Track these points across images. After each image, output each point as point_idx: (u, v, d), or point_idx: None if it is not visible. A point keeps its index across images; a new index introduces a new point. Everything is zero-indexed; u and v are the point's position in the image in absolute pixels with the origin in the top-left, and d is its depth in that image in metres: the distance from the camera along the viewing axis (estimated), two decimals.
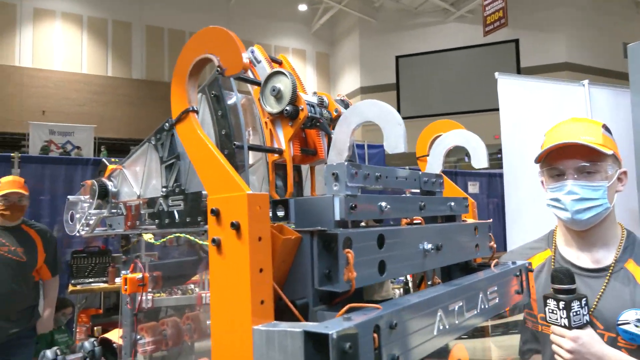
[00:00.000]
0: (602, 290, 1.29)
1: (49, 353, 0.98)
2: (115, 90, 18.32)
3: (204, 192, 0.80)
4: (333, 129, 1.02)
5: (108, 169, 1.14)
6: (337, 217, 0.62)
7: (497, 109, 2.80)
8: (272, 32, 22.11)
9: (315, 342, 0.47)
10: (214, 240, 0.56)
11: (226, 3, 21.16)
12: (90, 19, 17.90)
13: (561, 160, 1.32)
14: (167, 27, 20.20)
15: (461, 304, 0.71)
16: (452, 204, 0.91)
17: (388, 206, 0.70)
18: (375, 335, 0.51)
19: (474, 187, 6.39)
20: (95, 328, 4.60)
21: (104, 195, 1.10)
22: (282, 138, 0.93)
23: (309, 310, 0.59)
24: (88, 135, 11.17)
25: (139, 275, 1.00)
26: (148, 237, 0.95)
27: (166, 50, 20.19)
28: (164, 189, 0.96)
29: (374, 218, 0.69)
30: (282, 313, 0.57)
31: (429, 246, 0.74)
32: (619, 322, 1.24)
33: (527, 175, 2.69)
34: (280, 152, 0.92)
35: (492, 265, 0.94)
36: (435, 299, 0.64)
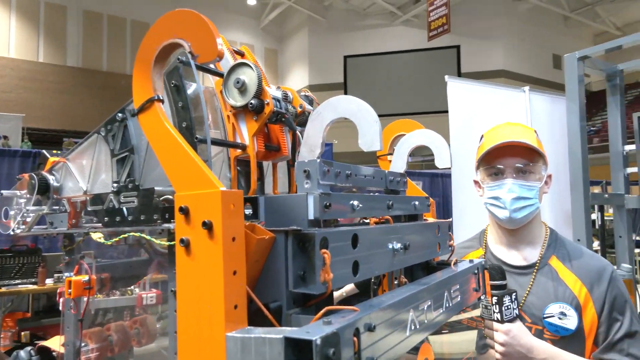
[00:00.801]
0: (529, 286, 1.37)
1: (22, 353, 0.89)
2: (46, 77, 17.10)
3: (164, 189, 0.75)
4: (297, 125, 1.00)
5: (49, 162, 1.04)
6: (311, 216, 0.60)
7: (442, 111, 2.89)
8: (220, 25, 21.39)
9: (296, 349, 0.44)
10: (182, 241, 0.51)
11: None
12: (20, 0, 16.61)
13: (501, 159, 1.38)
14: (107, 13, 19.14)
15: (429, 303, 0.71)
16: (417, 203, 0.91)
17: (360, 205, 0.68)
18: (355, 338, 0.49)
19: (417, 186, 6.57)
20: (22, 333, 4.28)
21: (44, 190, 1.00)
22: (245, 133, 0.89)
23: (282, 314, 0.56)
24: (15, 124, 10.35)
25: (85, 277, 0.92)
26: (97, 236, 0.88)
27: (105, 38, 19.12)
28: (115, 185, 0.89)
29: (345, 217, 0.67)
30: (253, 317, 0.54)
31: (398, 245, 0.73)
32: (545, 316, 1.33)
33: (473, 175, 2.80)
34: (243, 147, 0.88)
35: (452, 264, 0.95)
36: (408, 299, 0.63)
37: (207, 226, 0.49)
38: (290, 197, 0.62)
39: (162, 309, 1.21)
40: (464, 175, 2.90)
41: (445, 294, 0.79)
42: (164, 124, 0.56)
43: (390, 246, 0.72)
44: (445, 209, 6.21)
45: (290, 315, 0.56)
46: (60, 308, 0.96)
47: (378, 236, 0.69)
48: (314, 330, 0.45)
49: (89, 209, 0.94)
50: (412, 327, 0.64)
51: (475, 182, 1.50)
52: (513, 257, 1.45)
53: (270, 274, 0.57)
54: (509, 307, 1.22)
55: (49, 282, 4.41)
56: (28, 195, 1.04)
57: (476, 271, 0.98)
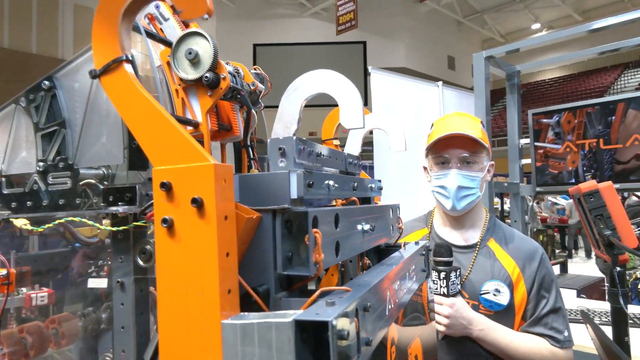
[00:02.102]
0: (470, 265, 1.47)
1: None
2: None
3: (86, 172, 0.66)
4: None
5: None
6: (294, 195, 0.57)
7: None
8: None
9: (309, 332, 0.41)
10: (164, 221, 0.45)
11: None
12: None
13: (447, 149, 1.46)
14: None
15: (398, 282, 0.72)
16: (372, 185, 0.92)
17: (335, 185, 0.66)
18: (356, 319, 0.48)
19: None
20: None
21: None
22: (197, 109, 0.81)
23: (270, 298, 0.53)
24: None
25: (2, 271, 0.78)
26: (21, 222, 0.75)
27: (7, 10, 16.64)
28: (41, 164, 0.77)
29: (322, 197, 0.65)
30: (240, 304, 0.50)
31: (367, 227, 0.73)
32: (481, 292, 1.43)
33: (394, 164, 2.93)
34: (196, 125, 0.81)
35: (403, 246, 0.98)
36: (387, 279, 0.63)
37: (198, 203, 0.44)
38: (269, 175, 0.58)
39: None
40: (385, 163, 3.01)
41: (407, 274, 0.80)
42: (137, 89, 0.49)
43: (360, 227, 0.72)
44: None
45: (280, 299, 0.53)
46: None
47: (352, 217, 0.68)
48: (322, 311, 0.43)
49: (4, 191, 0.80)
50: (389, 307, 0.64)
51: (425, 168, 1.57)
52: (455, 237, 1.55)
53: (257, 256, 0.53)
54: (454, 282, 1.30)
55: None
56: None
57: (423, 252, 1.01)
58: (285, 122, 0.66)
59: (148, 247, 0.69)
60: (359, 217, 0.71)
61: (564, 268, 5.10)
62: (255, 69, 1.01)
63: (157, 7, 0.88)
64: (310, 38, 20.33)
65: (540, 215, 12.07)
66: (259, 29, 20.44)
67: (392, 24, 20.43)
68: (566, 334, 1.42)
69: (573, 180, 2.84)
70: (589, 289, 4.85)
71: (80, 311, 1.11)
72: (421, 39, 21.31)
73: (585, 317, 1.46)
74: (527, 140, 3.05)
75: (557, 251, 11.73)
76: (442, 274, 1.32)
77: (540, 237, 11.85)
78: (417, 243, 1.04)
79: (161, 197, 0.46)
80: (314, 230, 0.52)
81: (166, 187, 0.45)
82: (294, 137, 0.62)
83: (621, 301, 1.09)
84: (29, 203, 0.77)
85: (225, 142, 0.95)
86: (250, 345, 0.42)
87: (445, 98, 3.29)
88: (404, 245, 0.98)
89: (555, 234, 12.06)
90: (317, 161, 0.71)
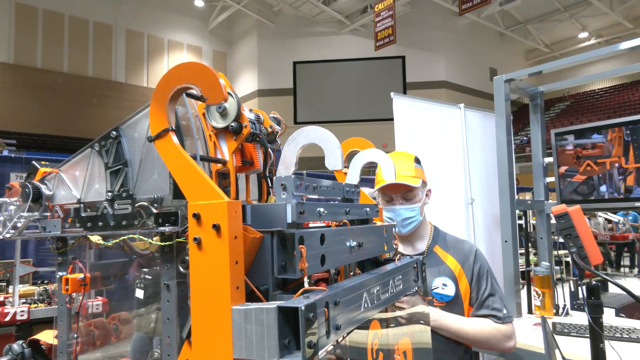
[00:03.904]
0: None
1: (15, 346, 0.98)
2: None
3: (163, 197, 0.90)
4: (268, 142, 1.17)
5: (40, 172, 1.15)
6: (289, 220, 0.78)
7: (387, 119, 3.17)
8: (166, 25, 21.13)
9: (286, 315, 0.62)
10: (195, 239, 0.67)
11: None
12: None
13: (389, 192, 1.88)
14: (42, 7, 18.21)
15: (378, 288, 0.91)
16: (368, 209, 1.11)
17: (325, 211, 0.87)
18: (326, 309, 0.68)
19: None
20: None
21: (37, 198, 1.11)
22: (225, 150, 1.05)
23: (269, 294, 0.74)
24: None
25: (80, 275, 1.04)
26: (96, 238, 1.01)
27: (40, 33, 18.15)
28: (109, 194, 1.02)
29: (314, 221, 0.86)
30: (247, 298, 0.71)
31: (354, 243, 0.93)
32: (432, 288, 1.79)
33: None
34: (224, 162, 1.04)
35: (397, 259, 1.16)
36: (362, 284, 0.83)
37: (216, 228, 0.66)
38: (272, 206, 0.80)
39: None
40: None
41: (390, 282, 0.99)
42: (178, 150, 0.72)
43: (348, 244, 0.92)
44: None
45: (275, 295, 0.74)
46: None
47: (339, 236, 0.88)
48: (298, 301, 0.63)
49: (82, 214, 1.06)
50: (365, 305, 0.83)
51: (375, 198, 1.91)
52: (407, 249, 1.93)
53: (260, 264, 0.74)
54: None
55: None
56: (18, 203, 1.14)
57: (415, 265, 1.19)
58: (286, 164, 0.88)
59: (187, 257, 0.92)
60: (346, 235, 0.91)
61: (604, 286, 4.99)
62: (273, 114, 1.24)
63: None
64: (349, 54, 20.68)
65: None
66: (298, 47, 21.00)
67: (431, 38, 20.44)
68: (505, 311, 1.78)
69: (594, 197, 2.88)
70: (629, 308, 4.74)
71: (134, 311, 1.36)
72: (461, 52, 21.17)
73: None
74: (551, 159, 3.12)
75: (609, 270, 11.26)
76: None
77: None
78: (411, 257, 1.22)
79: (193, 223, 0.68)
80: (300, 246, 0.73)
81: (196, 216, 0.68)
82: (292, 176, 0.83)
83: (586, 311, 1.21)
84: (99, 223, 1.02)
85: (248, 174, 1.18)
86: (249, 323, 0.63)
87: (468, 119, 3.42)
88: (397, 259, 1.17)
89: (611, 250, 11.58)
90: (314, 192, 0.92)
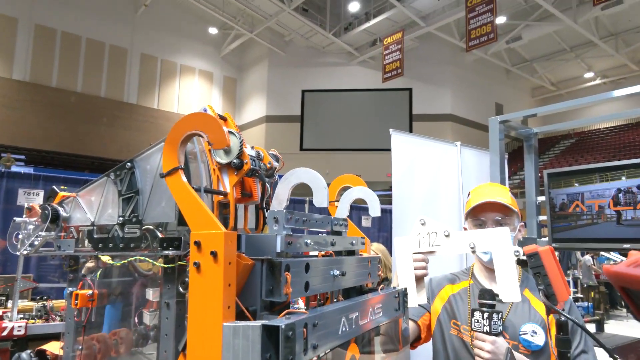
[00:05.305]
0: (508, 310, 1.73)
1: (24, 355, 1.07)
2: None
3: (168, 223, 1.01)
4: (266, 177, 1.29)
5: (59, 196, 1.27)
6: (278, 250, 0.89)
7: (391, 150, 3.29)
8: (179, 50, 21.74)
9: (269, 332, 0.72)
10: (195, 263, 0.78)
11: (132, 13, 20.45)
12: None
13: (483, 213, 1.76)
14: (61, 29, 18.85)
15: (357, 314, 1.01)
16: (353, 241, 1.22)
17: (311, 242, 0.98)
18: (305, 329, 0.78)
19: (367, 222, 7.00)
20: None
21: (54, 219, 1.22)
22: (227, 183, 1.17)
23: (257, 315, 0.84)
24: None
25: (89, 291, 1.14)
26: (106, 258, 1.12)
27: (57, 54, 18.73)
28: (120, 218, 1.14)
29: (302, 251, 0.96)
30: (237, 316, 0.81)
31: (337, 272, 1.03)
32: (520, 333, 1.67)
33: (412, 214, 3.19)
34: (225, 194, 1.16)
35: (380, 289, 1.26)
36: (341, 310, 0.93)
37: (214, 254, 0.77)
38: (264, 236, 0.91)
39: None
40: (404, 213, 3.28)
41: (370, 309, 1.09)
42: (185, 186, 0.84)
43: (332, 273, 1.02)
44: (391, 243, 6.59)
45: (262, 316, 0.84)
46: None
47: (323, 265, 0.99)
48: (280, 321, 0.74)
49: (95, 236, 1.17)
50: (343, 329, 0.93)
51: (465, 228, 1.85)
52: (495, 287, 1.75)
53: (250, 288, 0.85)
54: (496, 322, 1.52)
55: None
56: (37, 223, 1.26)
57: (396, 296, 1.29)
58: (279, 200, 0.99)
59: (187, 279, 1.02)
60: (330, 265, 1.01)
61: (599, 326, 4.99)
62: (272, 151, 1.37)
63: (205, 110, 1.26)
64: (357, 85, 21.10)
65: (594, 271, 11.62)
66: (308, 76, 21.46)
67: (439, 72, 20.84)
68: None
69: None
70: (625, 349, 4.71)
71: (134, 328, 1.45)
72: (468, 86, 21.53)
73: None
74: (544, 198, 3.22)
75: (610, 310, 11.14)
76: (486, 314, 1.52)
77: (592, 294, 11.32)
78: (394, 288, 1.32)
79: (194, 249, 0.79)
80: (286, 273, 0.83)
81: (197, 244, 0.79)
82: (284, 211, 0.94)
83: (550, 344, 1.25)
84: (110, 245, 1.13)
85: (247, 204, 1.30)
86: (237, 338, 0.74)
87: (464, 157, 3.54)
88: (380, 289, 1.26)
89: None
90: (304, 225, 1.03)
